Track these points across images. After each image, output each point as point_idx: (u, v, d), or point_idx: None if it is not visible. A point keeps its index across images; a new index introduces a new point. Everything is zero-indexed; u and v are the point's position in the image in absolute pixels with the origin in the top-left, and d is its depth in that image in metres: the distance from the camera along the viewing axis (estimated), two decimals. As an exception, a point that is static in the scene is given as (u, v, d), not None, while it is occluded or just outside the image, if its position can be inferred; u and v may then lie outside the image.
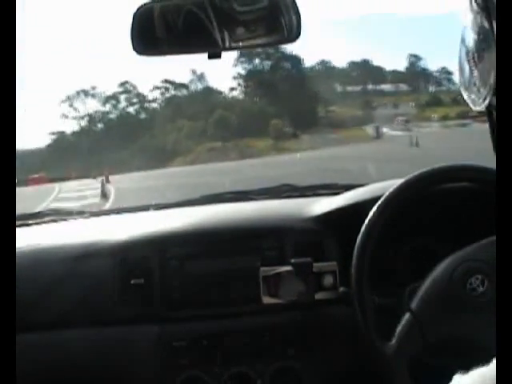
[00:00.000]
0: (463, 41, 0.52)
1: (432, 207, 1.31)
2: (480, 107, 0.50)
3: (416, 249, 1.34)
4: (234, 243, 1.35)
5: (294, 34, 0.94)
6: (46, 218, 1.62)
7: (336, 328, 1.29)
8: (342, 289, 1.23)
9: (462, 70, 0.53)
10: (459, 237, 1.16)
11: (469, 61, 0.50)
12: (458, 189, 1.27)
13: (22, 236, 1.43)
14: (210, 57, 0.94)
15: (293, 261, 1.24)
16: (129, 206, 1.71)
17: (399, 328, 1.10)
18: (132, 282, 1.30)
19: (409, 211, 1.20)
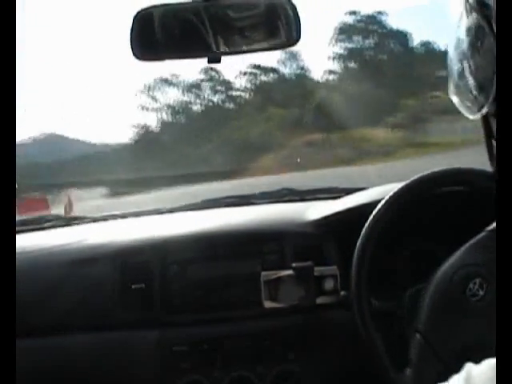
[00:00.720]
0: (457, 45, 0.50)
1: (432, 210, 1.31)
2: (476, 116, 0.49)
3: (416, 251, 1.34)
4: (234, 248, 1.35)
5: (293, 39, 0.94)
6: (47, 224, 1.62)
7: (337, 332, 1.29)
8: (342, 293, 1.22)
9: (454, 76, 0.51)
10: (459, 239, 1.15)
11: (464, 67, 0.49)
12: (457, 192, 1.26)
13: (23, 240, 1.43)
14: (209, 61, 0.95)
15: (294, 265, 1.24)
16: (130, 211, 1.71)
17: (412, 354, 1.07)
18: (132, 286, 1.30)
19: (409, 214, 1.20)
